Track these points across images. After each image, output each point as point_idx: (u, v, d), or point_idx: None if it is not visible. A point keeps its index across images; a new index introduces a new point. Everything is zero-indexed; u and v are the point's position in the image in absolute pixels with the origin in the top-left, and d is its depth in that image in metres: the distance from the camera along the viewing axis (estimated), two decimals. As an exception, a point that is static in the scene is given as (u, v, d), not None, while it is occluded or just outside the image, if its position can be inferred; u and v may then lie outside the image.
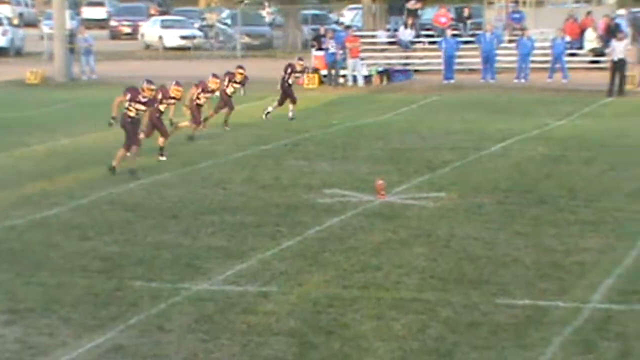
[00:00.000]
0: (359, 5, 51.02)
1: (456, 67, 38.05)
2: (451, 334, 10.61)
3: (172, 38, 52.81)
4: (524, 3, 43.54)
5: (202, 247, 14.04)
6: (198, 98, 23.06)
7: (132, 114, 19.09)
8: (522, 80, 36.88)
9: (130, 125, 19.17)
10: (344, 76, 37.21)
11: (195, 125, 23.24)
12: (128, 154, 19.17)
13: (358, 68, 37.22)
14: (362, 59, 37.94)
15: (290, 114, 27.22)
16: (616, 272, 12.73)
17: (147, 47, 54.01)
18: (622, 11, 42.19)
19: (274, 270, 12.90)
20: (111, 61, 45.85)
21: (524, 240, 14.34)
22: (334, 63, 36.90)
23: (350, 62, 37.17)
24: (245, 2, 62.23)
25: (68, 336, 10.57)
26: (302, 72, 28.75)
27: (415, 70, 39.47)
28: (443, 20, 41.25)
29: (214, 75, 23.64)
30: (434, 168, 19.97)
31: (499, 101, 31.55)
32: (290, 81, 27.35)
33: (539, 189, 17.80)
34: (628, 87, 33.45)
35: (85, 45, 39.93)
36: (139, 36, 57.17)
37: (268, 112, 27.14)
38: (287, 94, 27.29)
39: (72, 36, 40.19)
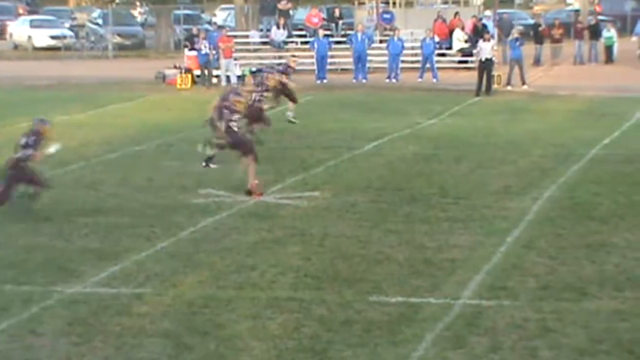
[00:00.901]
0: (232, 6, 50.91)
1: (328, 67, 38.29)
2: (326, 332, 10.73)
3: (42, 38, 51.87)
4: (394, 4, 44.03)
5: (76, 250, 13.89)
6: None
7: (236, 128, 18.13)
8: (393, 80, 37.29)
9: (237, 137, 18.08)
10: (217, 76, 37.11)
11: None
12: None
13: (231, 68, 37.17)
14: (235, 59, 37.91)
15: (291, 114, 26.18)
16: (485, 268, 13.02)
17: (16, 47, 52.98)
18: (488, 12, 42.97)
19: (149, 272, 12.85)
20: (-22, 61, 44.90)
21: (396, 237, 14.56)
22: (207, 63, 36.78)
23: (223, 62, 37.09)
24: (117, 1, 61.51)
25: (-63, 343, 10.37)
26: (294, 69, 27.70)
27: (288, 70, 39.55)
28: (315, 20, 41.50)
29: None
30: (308, 167, 20.09)
31: (371, 101, 31.86)
32: (285, 80, 25.45)
33: (410, 187, 18.07)
34: (495, 86, 34.14)
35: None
36: (7, 36, 56.03)
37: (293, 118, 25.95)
38: (286, 93, 25.61)
39: None
